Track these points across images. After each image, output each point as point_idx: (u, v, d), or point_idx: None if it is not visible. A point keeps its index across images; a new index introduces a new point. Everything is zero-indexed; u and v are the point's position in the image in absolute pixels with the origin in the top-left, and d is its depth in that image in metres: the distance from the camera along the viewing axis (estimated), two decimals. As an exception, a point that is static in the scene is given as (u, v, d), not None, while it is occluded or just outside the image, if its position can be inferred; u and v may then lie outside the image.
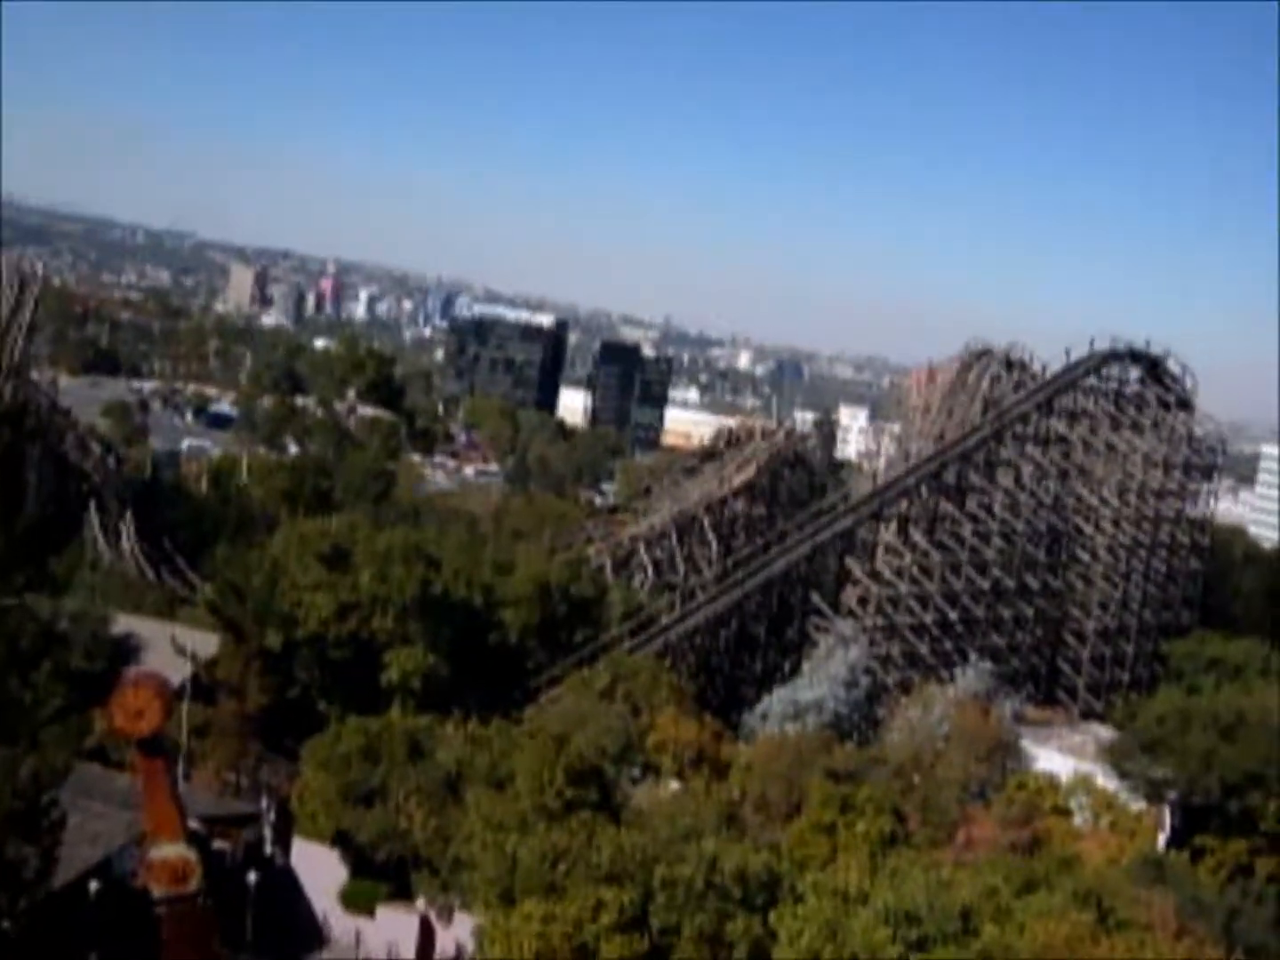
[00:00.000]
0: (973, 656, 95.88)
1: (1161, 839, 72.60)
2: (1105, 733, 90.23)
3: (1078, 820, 69.32)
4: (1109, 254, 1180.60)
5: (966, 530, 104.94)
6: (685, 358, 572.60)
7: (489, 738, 61.48)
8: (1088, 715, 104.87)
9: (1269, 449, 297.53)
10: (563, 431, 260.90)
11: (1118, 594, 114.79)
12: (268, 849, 57.63)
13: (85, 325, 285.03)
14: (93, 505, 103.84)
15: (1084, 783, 72.80)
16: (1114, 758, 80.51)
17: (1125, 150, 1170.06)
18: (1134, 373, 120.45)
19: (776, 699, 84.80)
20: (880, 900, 44.15)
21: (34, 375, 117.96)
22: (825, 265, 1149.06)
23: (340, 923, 55.23)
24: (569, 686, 77.24)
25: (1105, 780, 76.05)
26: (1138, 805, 74.48)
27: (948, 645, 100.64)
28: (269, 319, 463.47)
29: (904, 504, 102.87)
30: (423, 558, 79.70)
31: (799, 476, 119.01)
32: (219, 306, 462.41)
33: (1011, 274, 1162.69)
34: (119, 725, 35.83)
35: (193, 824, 42.40)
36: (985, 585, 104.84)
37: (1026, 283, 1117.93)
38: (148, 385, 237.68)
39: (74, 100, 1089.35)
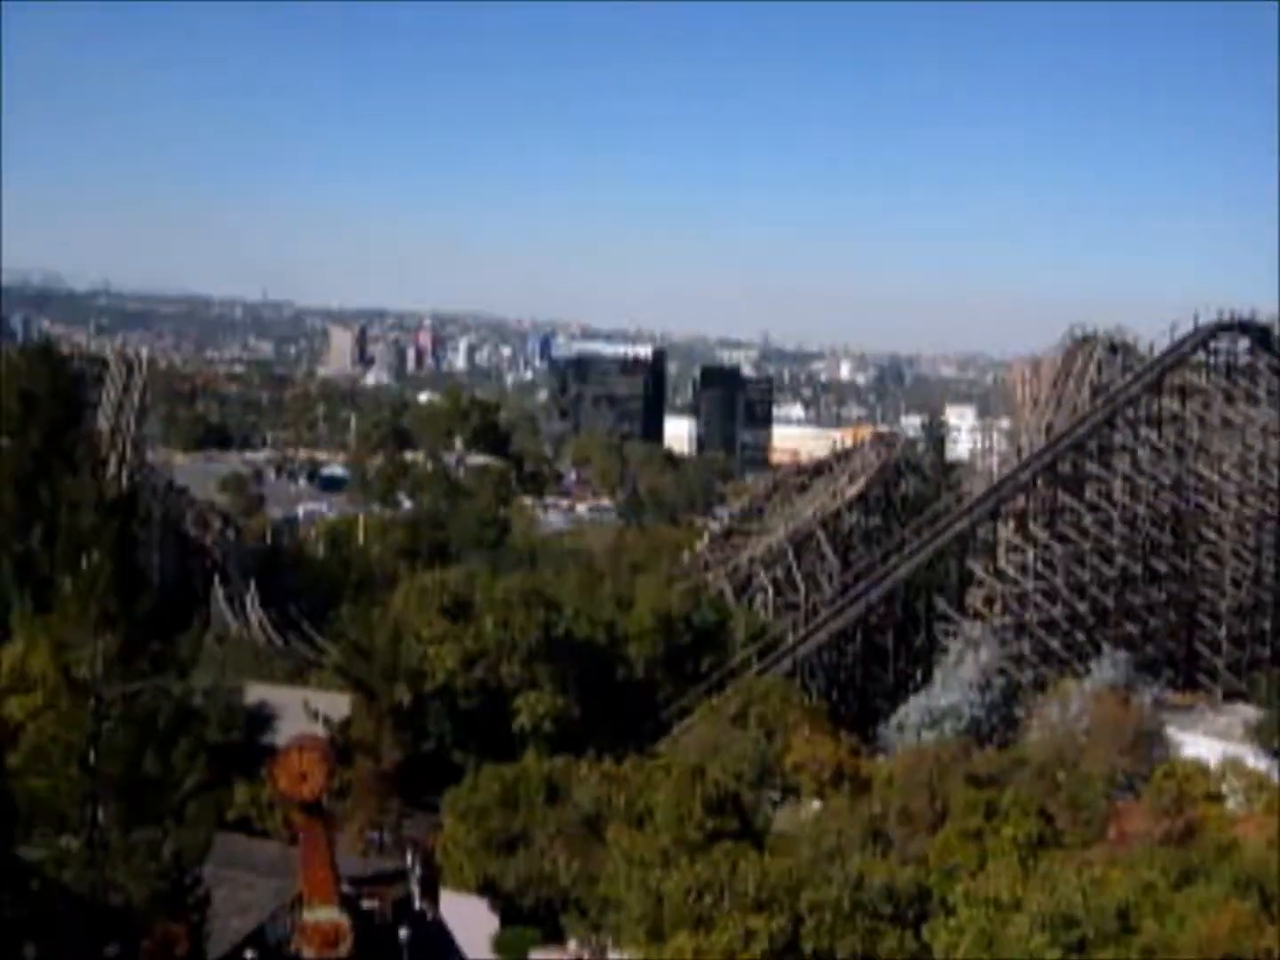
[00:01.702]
0: (1106, 647, 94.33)
1: (1320, 817, 70.73)
2: (1251, 712, 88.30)
3: (1231, 805, 67.52)
4: (1207, 218, 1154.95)
5: (1087, 520, 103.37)
6: (786, 374, 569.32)
7: (625, 775, 61.24)
8: (1231, 696, 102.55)
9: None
10: (671, 461, 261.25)
11: (1249, 569, 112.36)
12: (417, 904, 57.79)
13: (194, 403, 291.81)
14: (216, 579, 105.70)
15: (1234, 765, 70.94)
16: (1263, 736, 78.84)
17: (1220, 110, 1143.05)
18: (1243, 343, 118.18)
19: (911, 708, 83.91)
20: (1034, 905, 43.36)
21: (149, 457, 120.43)
22: (916, 264, 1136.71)
23: (495, 971, 55.25)
24: (700, 715, 77.12)
25: (1256, 761, 74.37)
26: (1292, 784, 72.70)
27: (1080, 638, 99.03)
28: (371, 378, 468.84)
29: (1021, 499, 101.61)
30: (543, 600, 79.98)
31: (911, 482, 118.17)
32: (322, 371, 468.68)
33: (1107, 251, 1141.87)
34: (283, 788, 36.24)
35: (344, 887, 42.70)
36: (1112, 574, 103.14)
37: (1122, 259, 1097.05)
38: (260, 455, 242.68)
39: (156, 181, 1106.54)
